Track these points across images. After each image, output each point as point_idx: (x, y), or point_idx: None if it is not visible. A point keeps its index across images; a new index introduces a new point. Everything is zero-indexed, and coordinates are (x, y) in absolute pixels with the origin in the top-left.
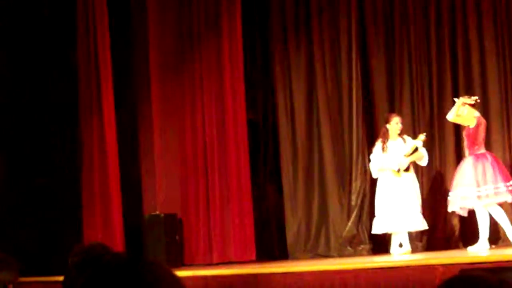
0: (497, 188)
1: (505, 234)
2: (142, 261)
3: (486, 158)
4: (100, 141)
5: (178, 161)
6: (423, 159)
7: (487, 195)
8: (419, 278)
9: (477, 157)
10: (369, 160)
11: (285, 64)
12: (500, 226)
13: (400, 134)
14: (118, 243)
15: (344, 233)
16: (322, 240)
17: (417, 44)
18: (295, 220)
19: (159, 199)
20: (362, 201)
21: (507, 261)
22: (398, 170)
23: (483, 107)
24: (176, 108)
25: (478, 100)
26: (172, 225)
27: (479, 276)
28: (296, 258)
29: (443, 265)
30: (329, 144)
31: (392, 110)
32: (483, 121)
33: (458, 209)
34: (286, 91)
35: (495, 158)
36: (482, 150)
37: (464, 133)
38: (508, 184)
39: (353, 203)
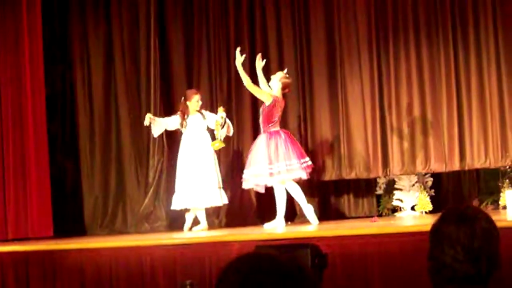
0: (290, 165)
1: (301, 211)
2: None
3: (280, 135)
4: None
5: None
6: (230, 129)
7: (279, 172)
8: (215, 255)
9: (271, 134)
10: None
11: (83, 39)
12: (297, 203)
13: (199, 110)
14: None
15: (141, 210)
16: (119, 216)
17: (215, 19)
18: (92, 196)
19: None
20: (160, 178)
21: (302, 238)
22: (221, 140)
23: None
24: None
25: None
26: None
27: (267, 253)
28: (93, 234)
29: (238, 242)
30: (126, 120)
31: (190, 85)
32: (279, 100)
33: (254, 186)
34: (84, 66)
35: (289, 136)
36: (277, 128)
37: (260, 108)
38: (302, 161)
39: (150, 179)
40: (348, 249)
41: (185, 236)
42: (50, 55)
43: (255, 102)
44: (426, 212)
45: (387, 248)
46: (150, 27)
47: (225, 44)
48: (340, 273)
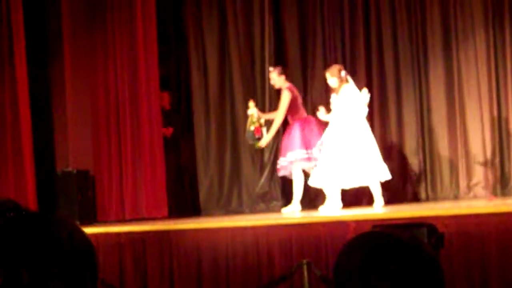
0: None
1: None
2: (48, 217)
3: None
4: (12, 98)
5: (90, 117)
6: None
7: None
8: (331, 234)
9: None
10: None
11: (198, 19)
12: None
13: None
14: (30, 200)
15: (257, 190)
16: (235, 196)
17: (330, 2)
18: (208, 176)
19: (71, 156)
20: (275, 157)
21: (418, 217)
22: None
23: (394, 69)
24: (89, 64)
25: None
26: (85, 181)
27: (389, 232)
28: (208, 214)
29: (355, 221)
30: (241, 100)
31: (304, 67)
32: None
33: None
34: (199, 47)
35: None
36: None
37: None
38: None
39: (265, 159)
40: (465, 228)
41: (301, 215)
42: (165, 37)
43: (371, 83)
44: None
45: (505, 227)
46: (264, 7)
47: (340, 27)
48: (456, 253)
